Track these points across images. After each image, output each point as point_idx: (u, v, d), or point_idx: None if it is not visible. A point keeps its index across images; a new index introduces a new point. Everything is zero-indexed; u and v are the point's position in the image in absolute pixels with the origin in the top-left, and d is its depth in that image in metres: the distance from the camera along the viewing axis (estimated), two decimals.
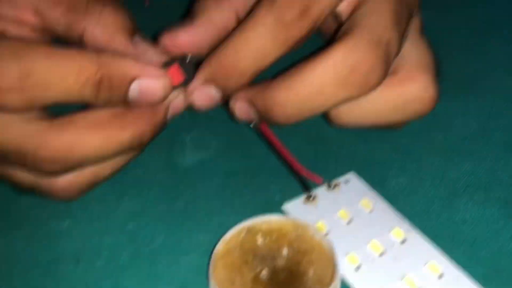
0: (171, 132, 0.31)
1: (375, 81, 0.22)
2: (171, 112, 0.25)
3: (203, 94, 0.24)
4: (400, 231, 0.25)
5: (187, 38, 0.24)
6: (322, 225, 0.26)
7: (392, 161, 0.30)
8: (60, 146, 0.23)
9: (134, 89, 0.23)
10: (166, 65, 0.25)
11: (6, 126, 0.23)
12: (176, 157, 0.29)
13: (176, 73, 0.24)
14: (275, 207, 0.27)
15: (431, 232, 0.25)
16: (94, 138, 0.23)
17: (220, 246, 0.24)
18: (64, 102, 0.23)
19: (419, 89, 0.24)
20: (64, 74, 0.22)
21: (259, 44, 0.22)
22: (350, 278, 0.24)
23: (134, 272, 0.25)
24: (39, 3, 0.26)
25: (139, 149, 0.25)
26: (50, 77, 0.22)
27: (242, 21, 0.23)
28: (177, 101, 0.25)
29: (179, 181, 0.29)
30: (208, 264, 0.25)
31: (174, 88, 0.25)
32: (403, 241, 0.25)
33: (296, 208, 0.27)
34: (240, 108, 0.25)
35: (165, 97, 0.24)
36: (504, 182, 0.28)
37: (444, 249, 0.25)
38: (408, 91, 0.24)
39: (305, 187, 0.28)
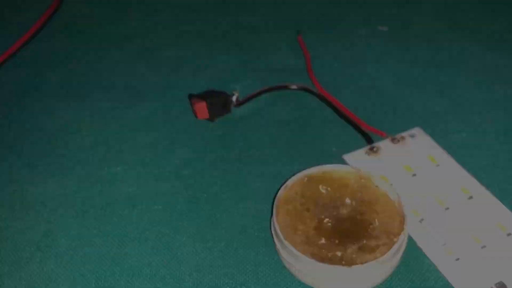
0: (222, 81, 0.31)
1: None
2: None
3: None
4: (467, 187, 0.24)
5: None
6: (384, 178, 0.25)
7: (453, 115, 0.29)
8: None
9: None
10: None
11: None
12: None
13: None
14: (332, 158, 0.27)
15: (496, 187, 0.25)
16: None
17: (281, 193, 0.23)
18: None
19: None
20: None
21: None
22: (412, 230, 0.23)
23: (192, 217, 0.24)
24: None
25: None
26: None
27: None
28: None
29: (231, 129, 0.28)
30: (267, 210, 0.24)
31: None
32: (470, 198, 0.24)
33: (357, 160, 0.26)
34: None
35: None
36: None
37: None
38: None
39: (368, 139, 0.27)
